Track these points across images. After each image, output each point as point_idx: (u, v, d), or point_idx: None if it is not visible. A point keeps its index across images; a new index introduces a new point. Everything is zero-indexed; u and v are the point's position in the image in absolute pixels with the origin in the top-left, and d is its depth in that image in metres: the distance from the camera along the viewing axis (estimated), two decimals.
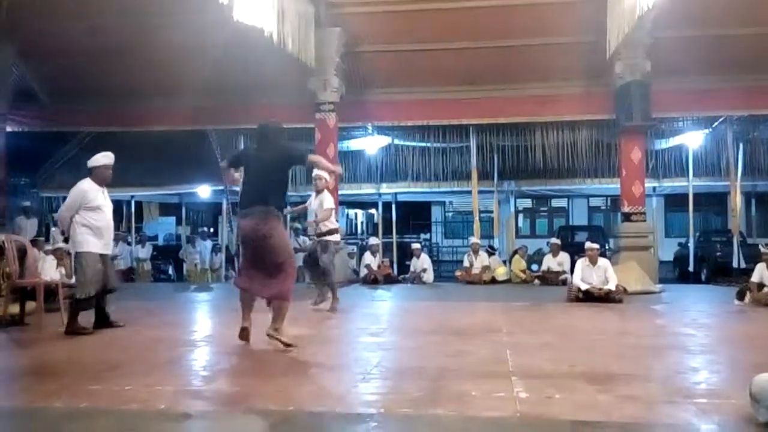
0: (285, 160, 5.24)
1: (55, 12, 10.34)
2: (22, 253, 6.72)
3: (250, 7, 7.87)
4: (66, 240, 7.09)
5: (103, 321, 6.17)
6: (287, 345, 4.98)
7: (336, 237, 7.90)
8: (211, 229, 19.72)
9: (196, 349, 5.44)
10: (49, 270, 8.22)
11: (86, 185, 6.07)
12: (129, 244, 15.24)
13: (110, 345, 5.35)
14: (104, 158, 6.18)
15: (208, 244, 15.21)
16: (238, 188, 6.11)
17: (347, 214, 24.89)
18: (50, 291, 6.79)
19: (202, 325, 6.56)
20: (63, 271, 8.61)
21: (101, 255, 6.05)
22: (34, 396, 3.71)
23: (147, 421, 3.17)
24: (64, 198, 16.11)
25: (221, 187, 14.40)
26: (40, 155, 14.39)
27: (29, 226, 12.21)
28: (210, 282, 14.06)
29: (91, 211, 5.98)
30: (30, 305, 6.74)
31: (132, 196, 16.12)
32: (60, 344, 5.54)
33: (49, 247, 9.53)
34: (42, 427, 3.15)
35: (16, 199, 13.58)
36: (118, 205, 9.22)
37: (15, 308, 6.70)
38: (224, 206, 15.02)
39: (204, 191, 15.45)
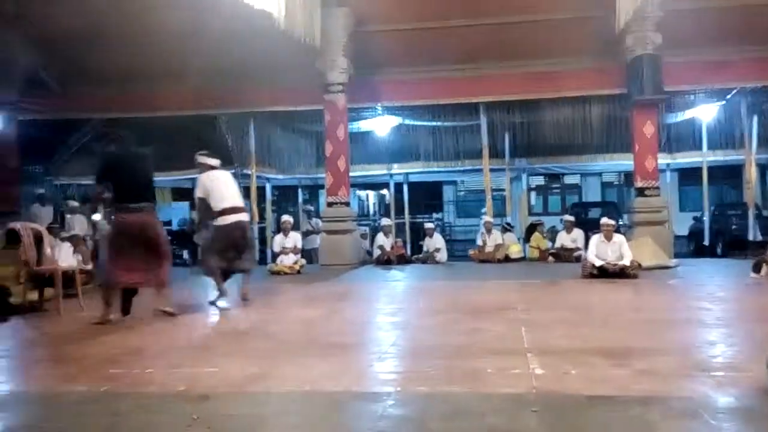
0: (150, 164, 6.19)
1: None
2: (38, 241, 6.80)
3: None
4: None
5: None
6: (173, 314, 5.80)
7: (220, 220, 6.63)
8: None
9: (213, 331, 5.49)
10: (66, 257, 8.31)
11: None
12: None
13: (129, 329, 5.41)
14: None
15: None
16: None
17: (359, 196, 24.88)
18: (68, 277, 6.87)
19: (219, 308, 6.61)
20: (80, 257, 8.71)
21: None
22: (55, 380, 3.77)
23: (166, 403, 3.22)
24: (79, 185, 16.27)
25: (232, 171, 14.42)
26: (53, 143, 14.47)
27: (44, 213, 12.31)
28: None
29: None
30: (48, 292, 6.83)
31: None
32: (80, 329, 5.61)
33: (65, 234, 9.62)
34: (64, 410, 3.20)
35: (31, 187, 13.70)
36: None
37: (33, 295, 6.80)
38: None
39: None
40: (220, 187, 6.74)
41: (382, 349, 4.38)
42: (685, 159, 14.96)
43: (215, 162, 6.99)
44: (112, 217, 6.06)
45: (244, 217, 6.88)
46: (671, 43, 10.77)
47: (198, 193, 6.76)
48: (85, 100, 13.00)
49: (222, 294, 6.67)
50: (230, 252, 6.72)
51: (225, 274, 6.83)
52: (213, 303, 6.64)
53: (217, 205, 6.66)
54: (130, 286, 5.86)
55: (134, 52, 11.66)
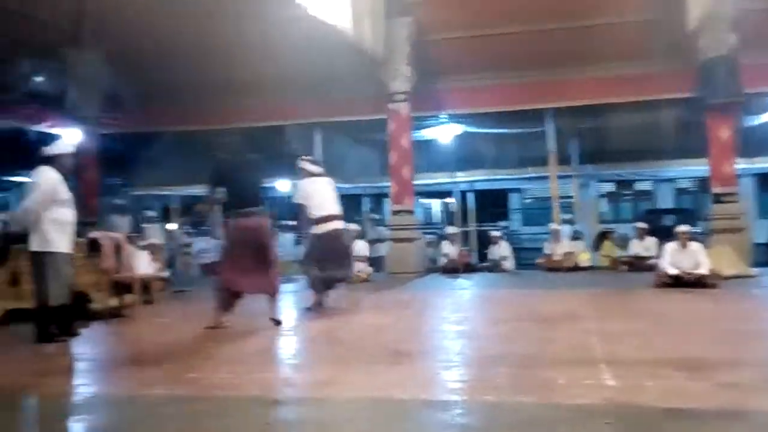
0: (261, 170, 6.26)
1: (138, 15, 10.77)
2: (117, 249, 7.10)
3: (324, 1, 7.99)
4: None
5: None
6: (280, 322, 5.88)
7: (319, 228, 6.73)
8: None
9: (285, 338, 5.60)
10: (144, 265, 8.64)
11: (55, 175, 5.12)
12: (218, 238, 15.76)
13: (204, 335, 5.56)
14: (68, 146, 5.47)
15: (290, 236, 15.53)
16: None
17: (423, 204, 24.86)
18: (145, 284, 7.14)
19: (288, 315, 6.73)
20: (157, 265, 9.04)
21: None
22: (135, 384, 3.94)
23: (240, 407, 3.31)
24: (154, 196, 16.84)
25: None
26: (130, 156, 15.08)
27: (122, 223, 12.84)
28: (294, 273, 14.35)
29: (61, 205, 5.14)
30: (127, 298, 7.12)
31: None
32: (157, 335, 5.83)
33: (142, 243, 10.00)
34: (142, 411, 3.35)
35: (110, 197, 14.33)
36: (199, 201, 9.50)
37: (114, 302, 7.10)
38: None
39: (282, 185, 15.81)
40: (320, 194, 6.78)
41: (449, 357, 4.37)
42: (765, 164, 14.29)
43: (317, 169, 6.99)
44: (222, 223, 6.22)
45: (342, 224, 6.93)
46: (747, 43, 10.33)
47: (297, 199, 6.85)
48: (160, 114, 13.54)
49: (320, 303, 6.79)
50: (329, 260, 6.74)
51: (327, 285, 6.89)
52: (309, 309, 6.79)
53: (316, 212, 6.70)
54: (244, 291, 5.94)
55: (205, 68, 12.05)
